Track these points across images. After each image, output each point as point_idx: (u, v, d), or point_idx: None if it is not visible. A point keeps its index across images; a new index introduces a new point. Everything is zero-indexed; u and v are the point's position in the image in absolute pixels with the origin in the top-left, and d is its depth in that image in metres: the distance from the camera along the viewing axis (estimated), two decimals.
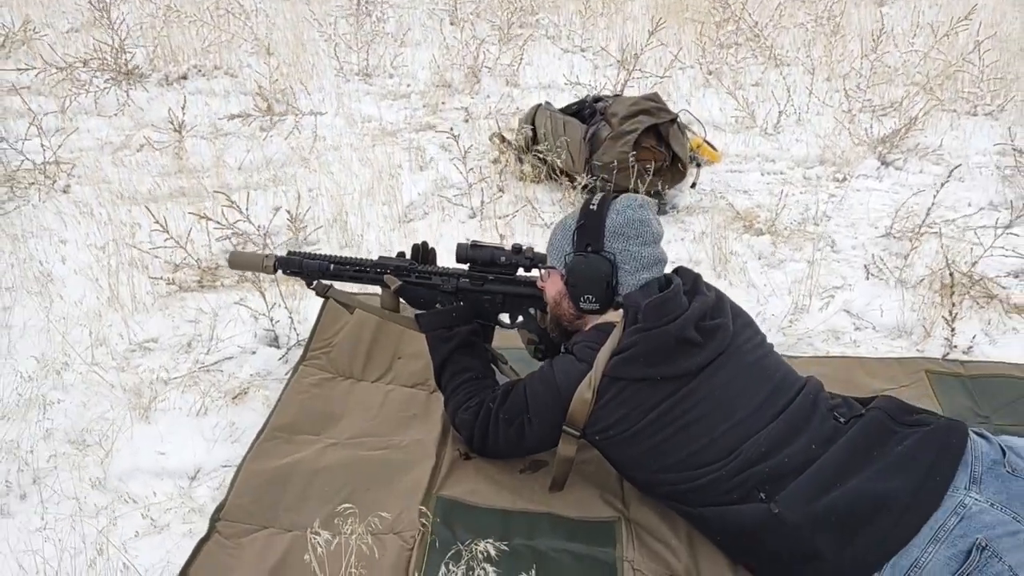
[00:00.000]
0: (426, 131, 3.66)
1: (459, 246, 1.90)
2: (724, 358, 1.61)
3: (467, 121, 3.72)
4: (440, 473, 1.77)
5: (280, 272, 1.97)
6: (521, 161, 3.17)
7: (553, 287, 1.77)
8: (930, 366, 2.12)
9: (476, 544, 1.44)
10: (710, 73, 4.21)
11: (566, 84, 3.90)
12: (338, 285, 1.99)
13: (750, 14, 4.66)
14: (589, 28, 4.89)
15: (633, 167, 2.81)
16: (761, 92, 3.96)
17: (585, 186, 2.92)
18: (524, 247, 1.88)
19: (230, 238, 2.61)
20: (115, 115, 3.76)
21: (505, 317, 1.95)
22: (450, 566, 1.42)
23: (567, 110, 3.16)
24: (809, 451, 1.52)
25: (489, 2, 5.18)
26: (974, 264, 2.43)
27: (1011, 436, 1.57)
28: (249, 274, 2.36)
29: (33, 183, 3.02)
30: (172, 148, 3.34)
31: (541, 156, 3.12)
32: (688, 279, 1.72)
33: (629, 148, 2.85)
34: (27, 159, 3.13)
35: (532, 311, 1.91)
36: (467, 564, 1.41)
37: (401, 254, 1.98)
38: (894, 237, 2.69)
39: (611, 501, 1.72)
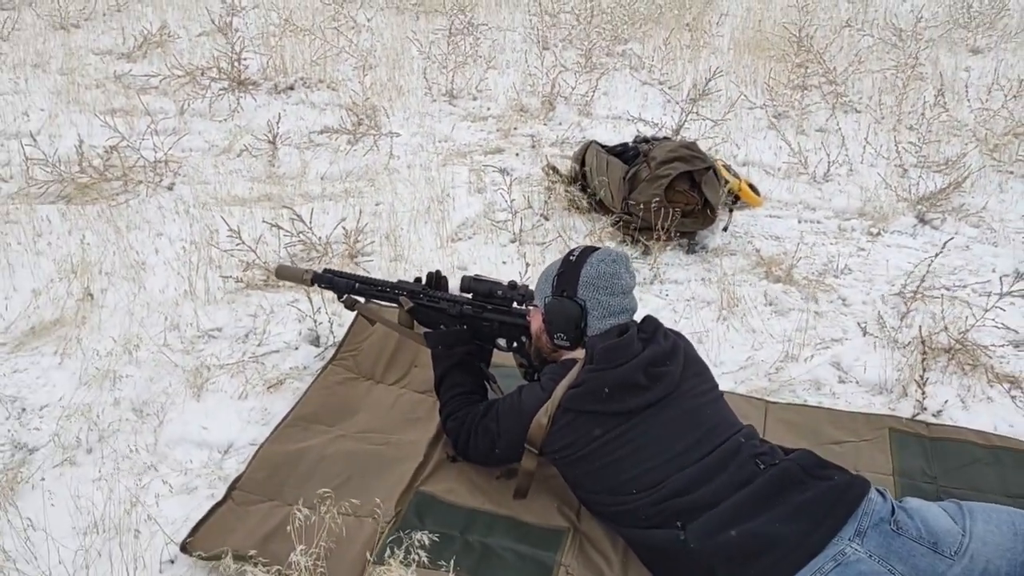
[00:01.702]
0: (494, 154, 3.97)
1: (463, 278, 2.20)
2: (666, 401, 1.85)
3: (533, 147, 4.00)
4: (425, 471, 2.07)
5: (316, 286, 2.33)
6: (569, 193, 3.44)
7: (535, 322, 2.05)
8: (894, 424, 2.28)
9: (414, 533, 1.74)
10: (776, 116, 4.35)
11: (627, 119, 4.14)
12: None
13: (831, 56, 4.77)
14: (670, 61, 5.08)
15: (663, 209, 3.03)
16: (824, 139, 4.08)
17: (617, 221, 3.17)
18: (519, 284, 2.17)
19: (295, 245, 2.99)
20: (224, 120, 4.23)
21: (503, 341, 2.24)
22: (394, 548, 1.72)
23: (612, 150, 3.40)
24: (723, 491, 1.74)
25: (582, 28, 5.43)
26: (967, 330, 2.55)
27: (918, 500, 1.76)
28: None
29: (142, 180, 3.48)
30: (266, 155, 3.76)
31: (588, 190, 3.39)
32: (649, 328, 1.97)
33: (661, 191, 3.08)
34: (142, 157, 3.61)
35: (524, 339, 2.19)
36: (406, 548, 1.70)
37: (418, 279, 2.29)
38: (903, 296, 2.82)
39: (566, 513, 1.98)
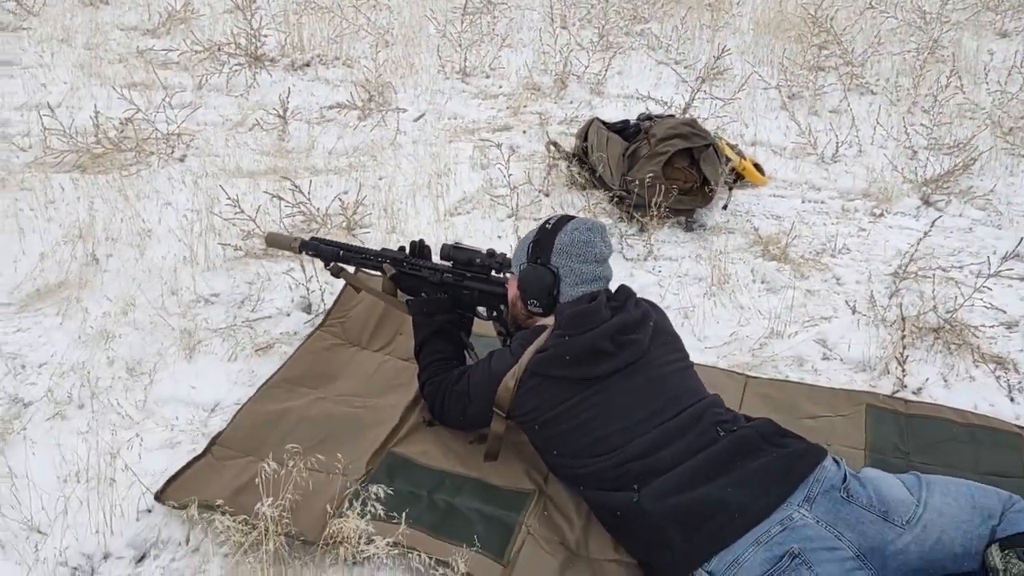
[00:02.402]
0: (502, 132, 4.00)
1: (444, 246, 2.24)
2: (632, 368, 1.88)
3: (540, 125, 4.02)
4: (399, 434, 2.12)
5: (303, 253, 2.38)
6: (570, 170, 3.46)
7: (512, 289, 2.09)
8: (872, 400, 2.28)
9: (371, 486, 1.79)
10: (790, 97, 4.32)
11: (637, 98, 4.14)
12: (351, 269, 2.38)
13: (851, 38, 4.71)
14: (687, 41, 5.05)
15: (661, 186, 3.04)
16: (836, 120, 4.04)
17: (614, 198, 3.19)
18: (497, 253, 2.20)
19: (295, 216, 3.05)
20: (240, 95, 4.31)
21: (483, 310, 2.27)
22: (352, 502, 1.78)
23: (613, 127, 3.41)
24: (680, 456, 1.77)
25: (602, 7, 5.42)
26: (955, 310, 2.53)
27: (876, 471, 1.77)
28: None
29: (153, 152, 3.57)
30: (276, 130, 3.83)
31: (588, 166, 3.41)
32: (621, 297, 1.99)
33: (659, 168, 3.08)
34: (156, 129, 3.70)
35: (502, 307, 2.22)
36: (363, 500, 1.75)
37: (402, 248, 2.34)
38: (898, 277, 2.81)
39: (534, 476, 2.02)
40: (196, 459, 2.00)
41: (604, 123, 3.47)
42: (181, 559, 1.81)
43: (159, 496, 1.87)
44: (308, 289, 2.69)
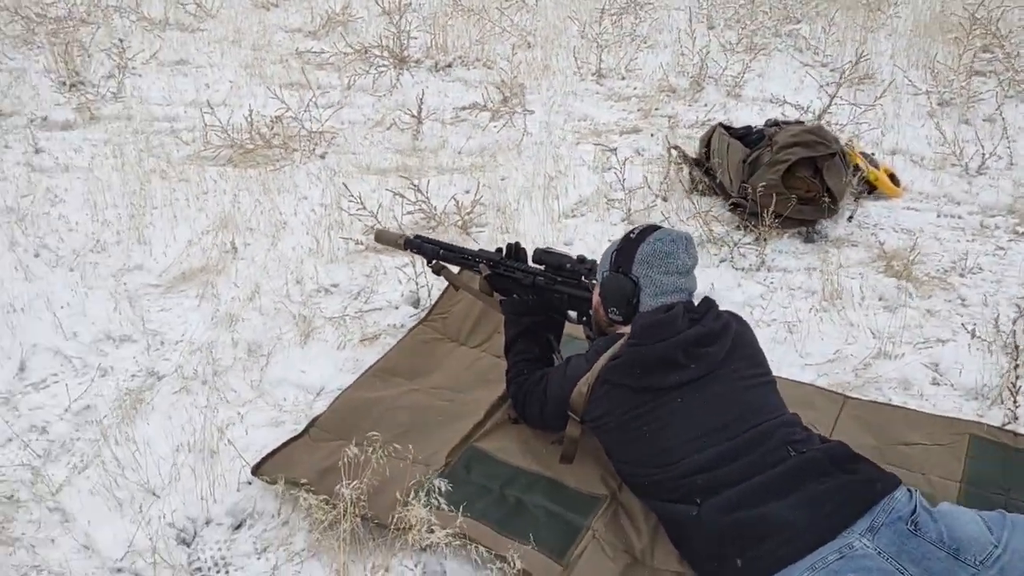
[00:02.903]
0: (630, 134, 4.01)
1: (535, 250, 2.30)
2: (704, 381, 1.87)
3: (670, 129, 4.00)
4: (483, 429, 2.21)
5: (408, 250, 2.51)
6: (691, 175, 3.43)
7: (596, 296, 2.13)
8: (976, 431, 2.15)
9: (436, 479, 1.87)
10: (941, 103, 4.07)
11: (772, 102, 4.03)
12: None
13: (1019, 41, 4.38)
14: (836, 43, 4.85)
15: (776, 195, 2.96)
16: (990, 129, 3.78)
17: (735, 206, 3.14)
18: (587, 259, 2.24)
19: (415, 213, 3.20)
20: (383, 96, 4.53)
21: (574, 314, 2.32)
22: (418, 492, 1.87)
23: (734, 132, 3.35)
24: (746, 472, 1.75)
25: (749, 8, 5.29)
26: None
27: (951, 505, 1.70)
28: None
29: (296, 149, 3.83)
30: (411, 129, 4.01)
31: (710, 172, 3.37)
32: (702, 309, 1.98)
33: (779, 176, 3.01)
34: (303, 127, 3.96)
35: (590, 312, 2.26)
36: (426, 490, 1.84)
37: (499, 250, 2.42)
38: None
39: (608, 482, 2.04)
40: (294, 439, 2.16)
41: (727, 128, 3.41)
42: (272, 530, 1.97)
43: (255, 470, 2.04)
44: (417, 284, 2.82)
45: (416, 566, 1.86)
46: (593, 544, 1.87)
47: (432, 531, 1.79)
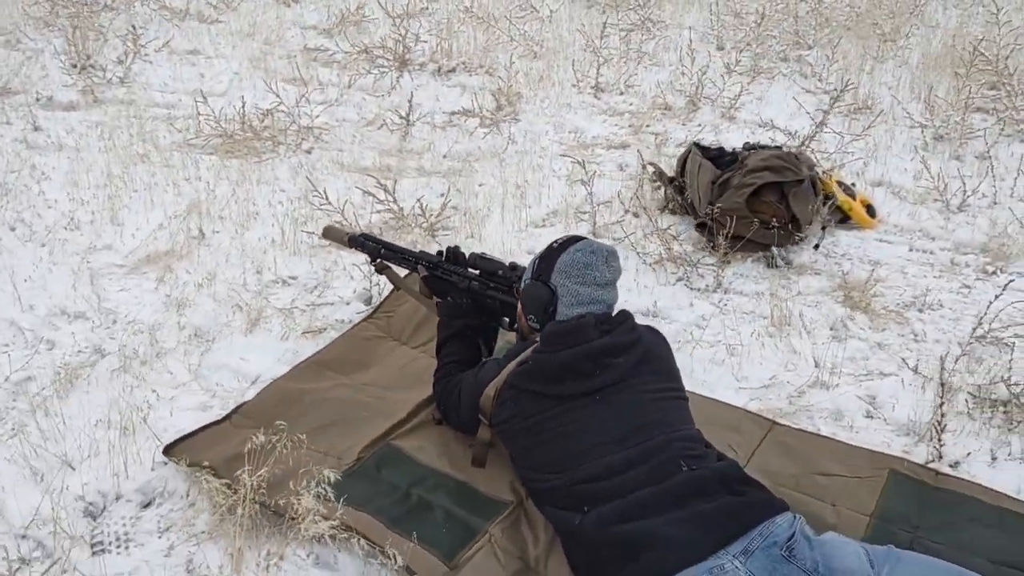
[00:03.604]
0: (618, 149, 4.00)
1: (471, 254, 2.32)
2: (607, 391, 1.88)
3: (658, 146, 3.99)
4: (404, 428, 2.22)
5: (352, 247, 2.53)
6: (666, 195, 3.42)
7: (520, 304, 2.13)
8: (898, 466, 2.12)
9: (322, 470, 1.88)
10: (936, 137, 4.02)
11: (762, 126, 4.00)
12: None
13: None
14: (840, 71, 4.80)
15: (736, 217, 2.94)
16: (980, 167, 3.71)
17: (699, 225, 3.13)
18: (519, 266, 2.25)
19: (383, 213, 3.23)
20: (382, 96, 4.57)
21: (507, 320, 2.33)
22: (307, 481, 1.88)
23: (707, 153, 3.34)
24: (633, 484, 1.75)
25: (756, 32, 5.26)
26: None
27: (835, 535, 1.68)
28: None
29: (282, 143, 3.88)
30: (400, 131, 4.05)
31: (681, 191, 3.36)
32: (616, 321, 1.99)
33: (743, 199, 3.00)
34: (295, 122, 4.02)
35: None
36: (316, 481, 1.86)
37: (439, 252, 2.43)
38: (975, 339, 2.58)
39: (517, 488, 2.04)
40: (215, 423, 2.20)
41: (701, 149, 3.40)
42: (178, 511, 2.00)
43: (167, 451, 2.08)
44: (371, 282, 2.85)
45: (308, 556, 1.88)
46: (487, 548, 1.88)
47: (316, 523, 1.80)
